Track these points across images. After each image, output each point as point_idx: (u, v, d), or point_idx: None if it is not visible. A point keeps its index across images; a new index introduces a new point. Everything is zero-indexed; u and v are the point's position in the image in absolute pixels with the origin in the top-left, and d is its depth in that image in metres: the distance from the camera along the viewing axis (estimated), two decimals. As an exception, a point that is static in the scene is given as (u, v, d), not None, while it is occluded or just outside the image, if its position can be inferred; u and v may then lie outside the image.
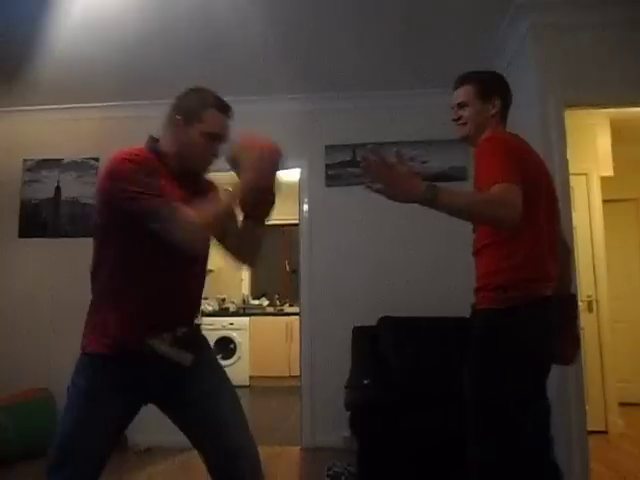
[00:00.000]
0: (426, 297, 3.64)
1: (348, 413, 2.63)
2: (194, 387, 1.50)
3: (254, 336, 6.44)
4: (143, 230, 1.36)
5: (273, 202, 1.56)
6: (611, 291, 4.05)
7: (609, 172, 4.11)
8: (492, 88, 1.79)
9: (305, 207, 3.99)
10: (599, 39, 2.80)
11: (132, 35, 3.11)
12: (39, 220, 4.11)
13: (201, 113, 1.49)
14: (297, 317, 4.10)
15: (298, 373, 3.96)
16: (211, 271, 5.32)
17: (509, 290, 1.59)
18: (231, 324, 6.42)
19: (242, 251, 1.65)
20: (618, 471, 3.03)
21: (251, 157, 1.44)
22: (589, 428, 2.67)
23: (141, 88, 3.82)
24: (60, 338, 3.63)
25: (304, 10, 2.92)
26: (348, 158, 3.96)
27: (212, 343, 6.16)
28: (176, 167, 1.52)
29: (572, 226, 2.72)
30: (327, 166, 3.99)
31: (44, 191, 4.13)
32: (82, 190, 4.10)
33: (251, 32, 3.12)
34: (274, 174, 1.48)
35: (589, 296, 3.94)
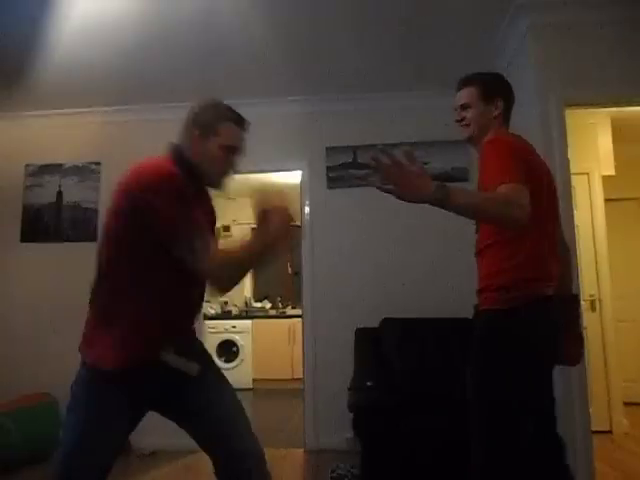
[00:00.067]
0: (428, 298, 3.63)
1: (351, 415, 2.63)
2: (198, 393, 1.51)
3: (257, 339, 6.43)
4: (164, 249, 1.36)
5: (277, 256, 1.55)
6: (614, 290, 4.04)
7: (611, 171, 4.10)
8: (495, 90, 1.79)
9: (307, 209, 3.99)
10: (599, 38, 2.80)
11: (132, 39, 3.12)
12: (41, 225, 4.12)
13: (217, 126, 1.50)
14: (300, 319, 4.09)
15: (301, 375, 3.96)
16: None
17: (511, 290, 1.60)
18: (234, 327, 6.42)
19: (225, 280, 1.54)
20: (623, 471, 3.02)
21: (273, 222, 1.40)
22: (593, 428, 2.67)
23: (141, 92, 3.83)
24: (62, 342, 3.62)
25: (303, 12, 2.92)
26: (349, 160, 3.96)
27: (215, 346, 6.19)
28: (198, 180, 1.52)
29: (574, 225, 2.72)
30: (328, 168, 3.99)
31: (46, 196, 4.14)
32: (84, 195, 4.11)
33: (251, 35, 3.12)
34: (287, 240, 1.45)
35: (592, 295, 3.93)
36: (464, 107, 1.79)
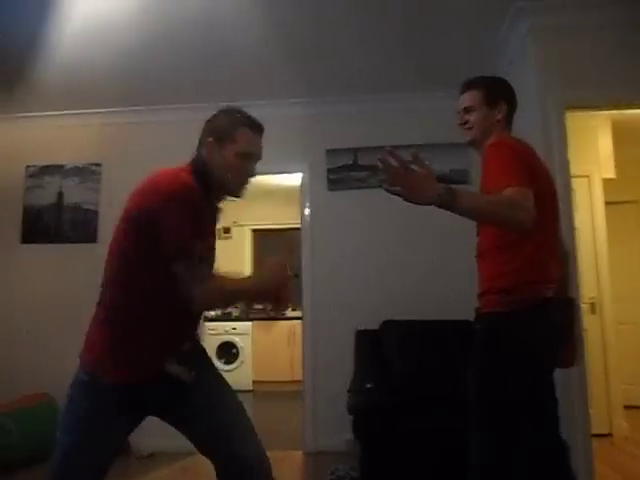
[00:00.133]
0: (429, 300, 3.63)
1: (351, 417, 2.63)
2: (197, 395, 1.49)
3: (257, 341, 6.43)
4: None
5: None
6: (614, 293, 4.03)
7: (611, 174, 4.10)
8: (498, 93, 1.80)
9: (307, 211, 3.99)
10: (598, 41, 2.80)
11: (134, 40, 3.13)
12: (42, 226, 4.12)
13: (233, 133, 1.47)
14: (299, 321, 4.09)
15: (301, 377, 3.96)
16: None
17: (512, 293, 1.60)
18: (234, 329, 6.42)
19: (208, 306, 1.67)
20: (624, 473, 3.01)
21: (270, 269, 1.46)
22: (593, 431, 2.66)
23: (143, 94, 3.83)
24: (62, 343, 3.62)
25: (305, 13, 2.93)
26: (349, 162, 3.96)
27: (215, 348, 6.18)
28: (213, 192, 1.49)
29: (574, 228, 2.72)
30: (329, 170, 3.99)
31: (46, 197, 4.14)
32: (84, 196, 4.11)
33: (254, 36, 3.13)
34: (280, 290, 1.48)
35: (592, 298, 3.93)
36: (467, 110, 1.80)
